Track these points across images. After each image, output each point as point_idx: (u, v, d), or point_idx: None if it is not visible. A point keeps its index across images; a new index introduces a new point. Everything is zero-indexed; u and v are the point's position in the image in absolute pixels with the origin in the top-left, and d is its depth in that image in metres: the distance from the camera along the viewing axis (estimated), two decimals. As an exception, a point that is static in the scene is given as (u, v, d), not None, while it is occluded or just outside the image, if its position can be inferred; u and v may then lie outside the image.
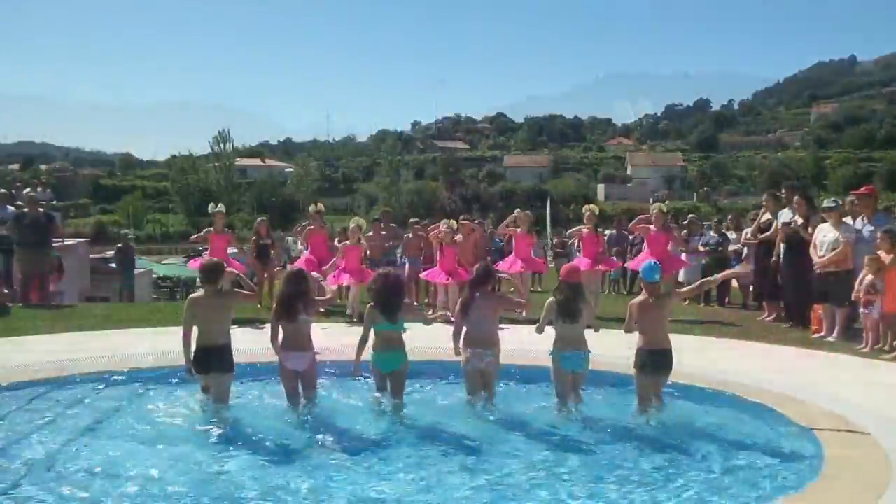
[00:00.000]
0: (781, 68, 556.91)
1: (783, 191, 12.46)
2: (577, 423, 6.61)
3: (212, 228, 12.68)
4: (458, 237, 12.56)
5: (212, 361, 6.69)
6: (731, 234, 14.80)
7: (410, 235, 14.06)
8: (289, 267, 14.95)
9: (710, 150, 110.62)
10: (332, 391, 7.47)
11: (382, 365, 6.88)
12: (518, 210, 13.60)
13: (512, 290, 8.04)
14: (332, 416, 6.77)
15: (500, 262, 12.49)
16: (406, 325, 6.95)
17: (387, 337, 6.83)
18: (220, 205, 12.90)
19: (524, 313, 11.76)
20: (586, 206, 12.94)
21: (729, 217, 17.20)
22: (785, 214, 11.54)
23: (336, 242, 13.40)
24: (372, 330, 6.88)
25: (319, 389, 7.10)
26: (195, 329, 6.65)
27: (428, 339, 7.74)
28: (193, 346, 6.65)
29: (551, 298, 6.92)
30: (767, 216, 12.34)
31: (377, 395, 6.98)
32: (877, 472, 5.16)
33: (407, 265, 13.69)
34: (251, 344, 8.18)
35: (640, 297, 6.86)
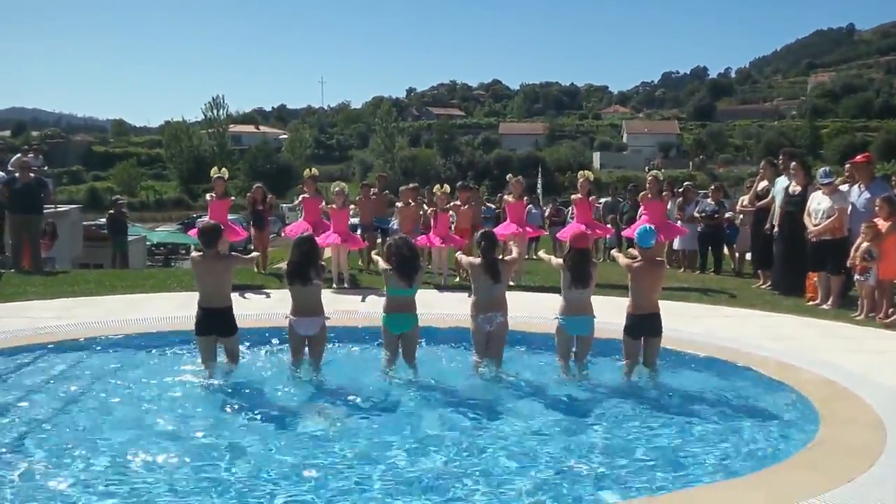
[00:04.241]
0: (779, 36, 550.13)
1: (780, 158, 12.34)
2: (578, 387, 6.64)
3: (213, 195, 12.52)
4: (456, 202, 12.60)
5: (214, 324, 6.70)
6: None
7: (412, 202, 13.90)
8: (283, 233, 14.90)
9: (707, 119, 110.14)
10: (339, 354, 7.51)
11: (393, 326, 6.86)
12: (510, 176, 13.52)
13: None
14: (338, 378, 6.77)
15: (496, 228, 12.44)
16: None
17: (401, 300, 6.82)
18: (222, 170, 12.84)
19: (522, 278, 11.80)
20: (580, 173, 12.92)
21: (712, 186, 16.72)
22: (782, 181, 11.45)
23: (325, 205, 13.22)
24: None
25: (327, 353, 7.10)
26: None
27: (429, 306, 7.71)
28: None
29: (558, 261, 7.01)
30: (764, 183, 12.26)
31: (387, 356, 6.94)
32: (870, 437, 5.18)
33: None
34: (255, 309, 8.13)
35: (637, 262, 6.86)
